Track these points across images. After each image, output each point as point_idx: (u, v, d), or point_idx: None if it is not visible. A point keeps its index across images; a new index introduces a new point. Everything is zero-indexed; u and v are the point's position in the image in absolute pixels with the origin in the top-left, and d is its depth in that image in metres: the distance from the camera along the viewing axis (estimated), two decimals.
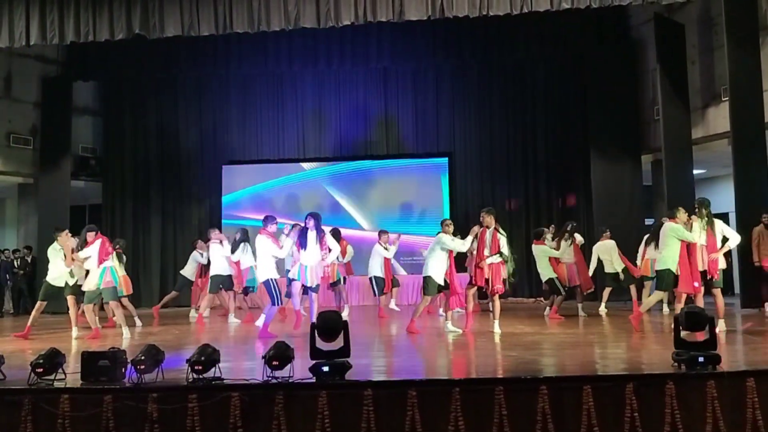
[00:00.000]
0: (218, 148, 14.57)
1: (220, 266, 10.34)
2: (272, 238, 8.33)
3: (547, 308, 10.00)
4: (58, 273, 8.63)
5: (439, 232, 8.46)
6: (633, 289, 10.18)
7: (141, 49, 12.42)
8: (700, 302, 7.33)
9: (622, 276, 10.14)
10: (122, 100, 14.58)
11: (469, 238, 8.18)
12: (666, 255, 7.65)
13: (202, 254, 11.09)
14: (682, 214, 7.82)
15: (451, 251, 8.21)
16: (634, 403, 4.63)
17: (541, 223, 13.62)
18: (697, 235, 7.61)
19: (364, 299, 12.95)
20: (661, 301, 9.63)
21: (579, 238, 10.20)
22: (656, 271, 7.96)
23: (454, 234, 8.48)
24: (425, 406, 4.65)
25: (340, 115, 14.40)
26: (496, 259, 8.01)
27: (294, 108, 14.49)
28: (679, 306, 7.74)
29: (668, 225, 7.79)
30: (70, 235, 8.78)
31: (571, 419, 4.63)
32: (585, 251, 10.48)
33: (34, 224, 13.28)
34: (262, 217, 8.80)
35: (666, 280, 7.67)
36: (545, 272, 9.82)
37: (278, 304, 8.29)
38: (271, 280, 8.20)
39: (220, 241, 10.43)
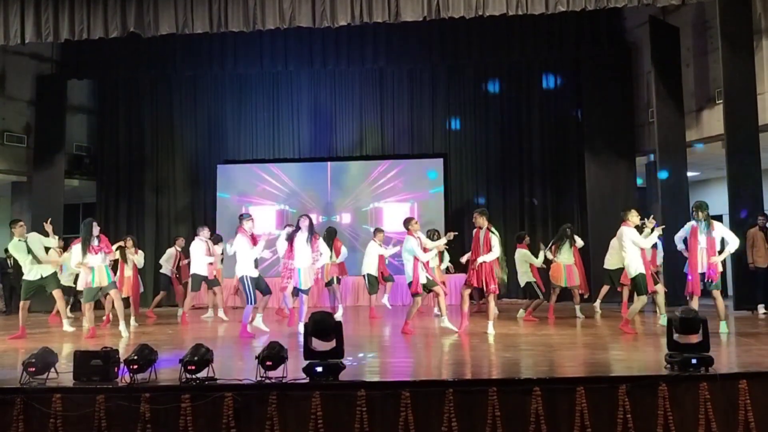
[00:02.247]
0: (213, 147, 14.55)
1: (199, 266, 10.31)
2: (248, 236, 8.36)
3: (521, 310, 10.01)
4: (33, 268, 8.53)
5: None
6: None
7: (136, 48, 12.39)
8: (695, 304, 7.36)
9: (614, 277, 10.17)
10: (117, 98, 14.54)
11: (433, 250, 8.46)
12: (630, 261, 7.72)
13: (178, 250, 11.25)
14: (633, 217, 7.89)
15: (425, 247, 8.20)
16: (627, 404, 4.64)
17: (535, 223, 13.69)
18: (650, 241, 7.85)
19: (359, 299, 12.96)
20: (654, 303, 9.66)
21: (579, 241, 10.18)
22: (630, 279, 8.00)
23: (454, 236, 8.52)
24: (419, 407, 4.65)
25: (335, 115, 14.38)
26: (489, 257, 8.01)
27: (289, 108, 14.47)
28: (639, 305, 7.79)
29: (622, 229, 7.86)
30: (25, 227, 8.65)
31: (564, 420, 4.65)
32: (584, 253, 10.46)
33: (28, 223, 13.14)
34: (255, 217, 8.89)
35: (642, 284, 7.74)
36: (524, 276, 9.85)
37: (251, 303, 8.29)
38: (246, 277, 8.23)
39: (205, 241, 10.41)
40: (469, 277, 8.21)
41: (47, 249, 9.01)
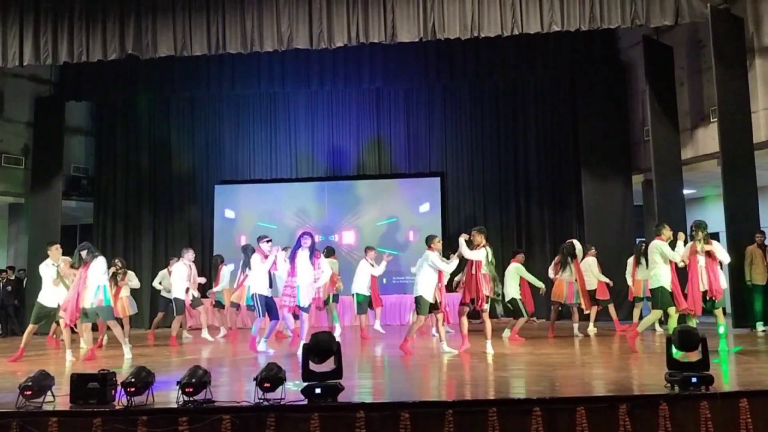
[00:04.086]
0: (211, 167, 14.59)
1: (179, 290, 10.22)
2: (263, 255, 8.55)
3: (507, 330, 9.91)
4: (51, 293, 8.50)
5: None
6: (611, 308, 10.20)
7: (134, 70, 12.47)
8: (694, 323, 7.34)
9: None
10: (115, 120, 14.60)
11: (455, 260, 8.17)
12: (656, 273, 7.69)
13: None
14: (666, 231, 7.87)
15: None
16: (628, 424, 4.61)
17: (532, 241, 13.70)
18: (679, 255, 7.70)
19: (357, 319, 12.88)
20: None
21: (579, 248, 10.10)
22: (650, 290, 7.98)
23: (447, 255, 8.46)
24: (418, 428, 4.62)
25: (332, 135, 14.45)
26: (474, 255, 7.97)
27: (287, 128, 14.54)
28: (652, 318, 7.79)
29: (653, 243, 7.85)
30: (61, 249, 8.67)
31: None
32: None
33: (25, 244, 13.19)
34: (253, 236, 8.98)
35: (660, 299, 7.69)
36: (511, 291, 9.69)
37: (260, 316, 8.47)
38: (257, 294, 8.42)
39: (189, 265, 10.35)
40: (463, 297, 8.19)
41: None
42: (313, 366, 5.00)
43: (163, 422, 4.66)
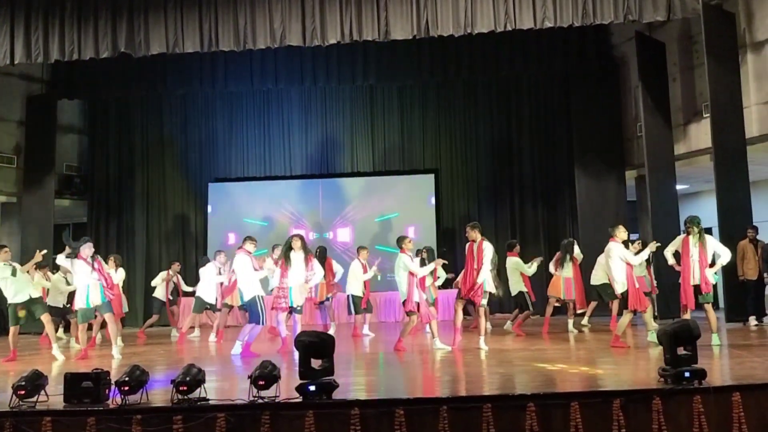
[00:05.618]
0: (204, 165, 14.54)
1: (206, 291, 10.26)
2: (250, 256, 8.36)
3: (509, 322, 9.95)
4: (14, 290, 8.38)
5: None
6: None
7: (126, 67, 12.41)
8: (687, 317, 7.37)
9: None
10: (107, 118, 14.53)
11: (430, 266, 8.44)
12: (617, 275, 7.74)
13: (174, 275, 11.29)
14: (621, 232, 7.91)
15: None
16: (622, 419, 4.63)
17: (526, 237, 13.70)
18: (641, 258, 7.93)
19: (351, 317, 12.88)
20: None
21: (577, 251, 10.15)
22: (620, 294, 8.00)
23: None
24: (413, 425, 4.63)
25: (326, 132, 14.43)
26: (483, 274, 7.99)
27: (280, 125, 14.51)
28: (626, 319, 7.79)
29: (609, 245, 7.89)
30: (10, 252, 8.55)
31: None
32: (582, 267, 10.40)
33: (18, 243, 13.10)
34: (244, 235, 8.92)
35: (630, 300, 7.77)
36: (516, 285, 9.78)
37: (263, 323, 8.24)
38: (258, 296, 8.16)
39: (219, 267, 10.36)
40: (462, 291, 8.21)
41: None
42: (307, 363, 5.00)
43: (158, 421, 4.65)
